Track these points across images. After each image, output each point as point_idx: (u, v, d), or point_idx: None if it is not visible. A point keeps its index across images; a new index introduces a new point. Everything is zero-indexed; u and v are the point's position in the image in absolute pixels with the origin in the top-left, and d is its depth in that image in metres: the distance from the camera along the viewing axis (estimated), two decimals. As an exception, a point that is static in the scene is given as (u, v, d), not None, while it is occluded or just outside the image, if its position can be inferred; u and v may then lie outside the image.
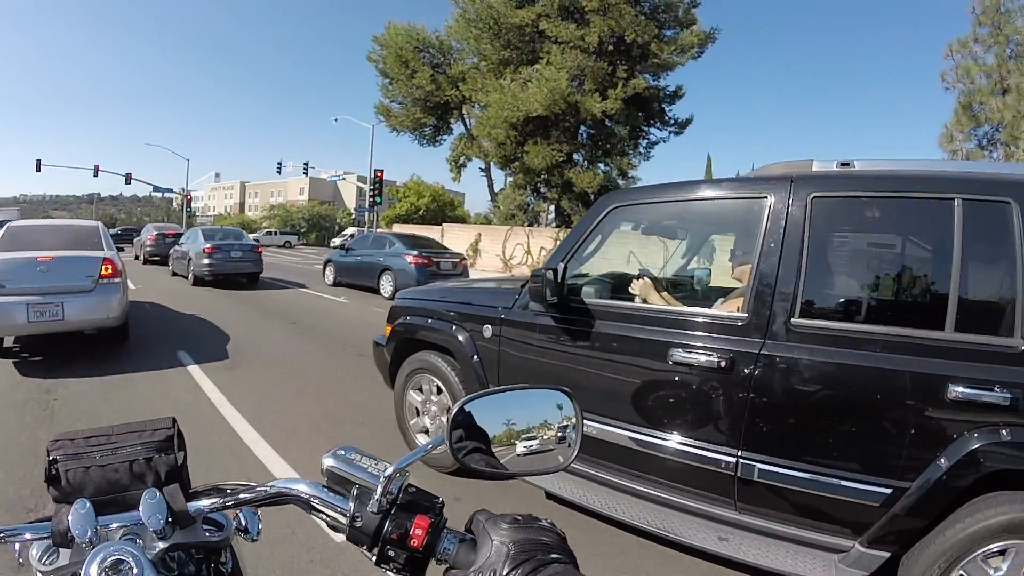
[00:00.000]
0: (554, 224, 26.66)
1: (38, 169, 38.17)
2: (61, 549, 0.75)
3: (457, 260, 14.46)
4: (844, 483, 2.26)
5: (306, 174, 43.44)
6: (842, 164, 2.61)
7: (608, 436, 2.82)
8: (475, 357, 3.50)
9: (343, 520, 0.75)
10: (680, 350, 2.59)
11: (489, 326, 3.41)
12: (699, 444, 2.57)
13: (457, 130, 30.38)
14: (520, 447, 0.84)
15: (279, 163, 40.73)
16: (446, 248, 15.56)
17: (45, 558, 0.76)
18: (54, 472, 0.80)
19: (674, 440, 2.64)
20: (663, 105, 27.13)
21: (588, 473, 2.96)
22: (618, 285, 3.53)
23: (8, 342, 6.91)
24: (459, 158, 30.58)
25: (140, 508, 0.75)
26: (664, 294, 3.20)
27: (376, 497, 0.74)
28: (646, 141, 27.66)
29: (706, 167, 57.16)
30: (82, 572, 0.67)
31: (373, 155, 34.18)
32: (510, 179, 26.90)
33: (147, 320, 9.32)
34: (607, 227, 3.16)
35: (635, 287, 3.22)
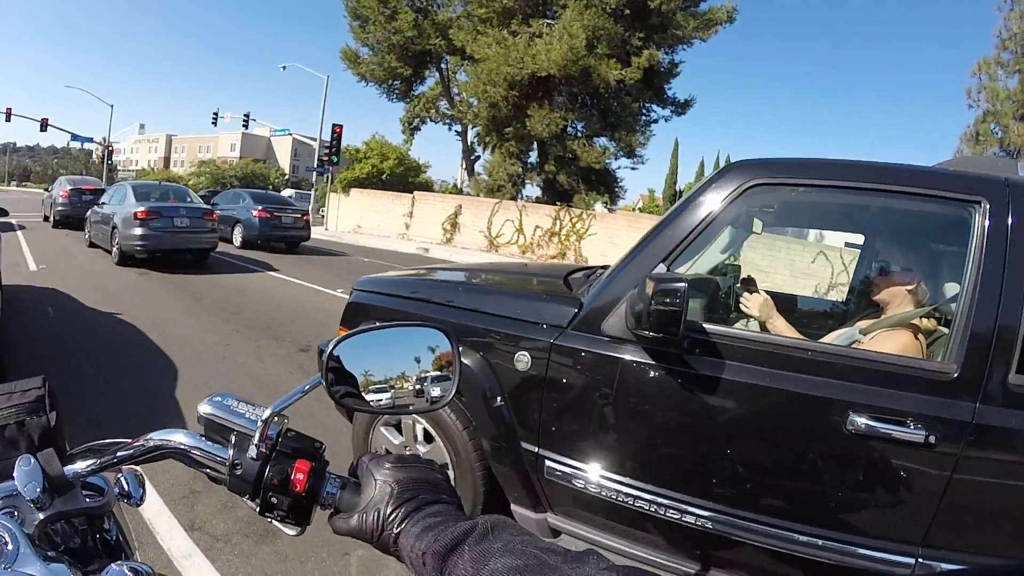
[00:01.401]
0: (541, 199, 23.58)
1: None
2: None
3: (299, 216, 15.90)
4: None
5: (246, 127, 38.32)
6: None
7: (735, 533, 2.01)
8: (499, 399, 2.39)
9: (223, 470, 0.72)
10: (864, 415, 1.85)
11: (527, 353, 2.30)
12: (863, 540, 1.90)
13: (429, 86, 26.89)
14: (370, 399, 0.81)
15: (215, 114, 35.85)
16: (290, 203, 17.06)
17: None
18: None
19: (825, 535, 1.93)
20: (662, 82, 24.68)
21: (688, 571, 2.14)
22: (715, 302, 2.79)
23: None
24: (414, 120, 27.27)
25: (15, 476, 0.67)
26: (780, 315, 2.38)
27: (254, 442, 0.71)
28: (645, 119, 25.14)
29: (673, 151, 55.94)
30: None
31: (325, 111, 30.25)
32: (498, 146, 23.41)
33: (45, 338, 5.59)
34: (737, 212, 2.28)
35: (749, 304, 2.39)
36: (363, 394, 0.80)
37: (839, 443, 1.90)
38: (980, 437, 1.80)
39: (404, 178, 33.75)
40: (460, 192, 28.37)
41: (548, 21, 20.46)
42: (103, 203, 12.07)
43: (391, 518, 0.64)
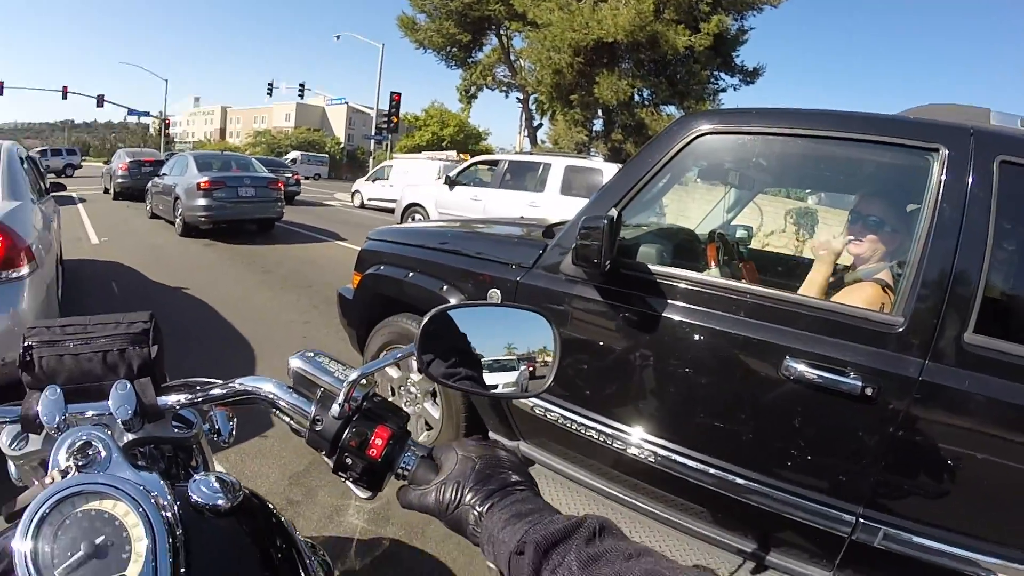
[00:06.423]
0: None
1: (0, 92, 33.69)
2: (31, 435, 0.73)
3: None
4: (990, 557, 1.64)
5: (301, 97, 38.32)
6: None
7: (670, 465, 2.05)
8: None
9: (305, 424, 0.72)
10: (800, 360, 1.81)
11: (497, 291, 2.47)
12: (803, 492, 1.86)
13: (486, 53, 26.10)
14: (463, 378, 0.76)
15: (270, 84, 36.01)
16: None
17: (15, 443, 0.74)
18: (28, 358, 0.75)
19: (765, 480, 1.91)
20: (730, 49, 23.33)
21: (639, 505, 2.22)
22: (681, 249, 2.86)
23: None
24: (471, 87, 26.68)
25: (110, 398, 0.72)
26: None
27: (339, 401, 0.69)
28: (713, 87, 23.81)
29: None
30: (50, 455, 0.66)
31: (381, 80, 29.75)
32: (563, 114, 22.52)
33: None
34: (686, 163, 2.29)
35: (713, 257, 2.50)
36: (455, 370, 0.75)
37: (776, 387, 1.88)
38: (928, 396, 1.71)
39: (464, 145, 33.28)
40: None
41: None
42: (164, 174, 11.78)
43: (473, 495, 0.61)
